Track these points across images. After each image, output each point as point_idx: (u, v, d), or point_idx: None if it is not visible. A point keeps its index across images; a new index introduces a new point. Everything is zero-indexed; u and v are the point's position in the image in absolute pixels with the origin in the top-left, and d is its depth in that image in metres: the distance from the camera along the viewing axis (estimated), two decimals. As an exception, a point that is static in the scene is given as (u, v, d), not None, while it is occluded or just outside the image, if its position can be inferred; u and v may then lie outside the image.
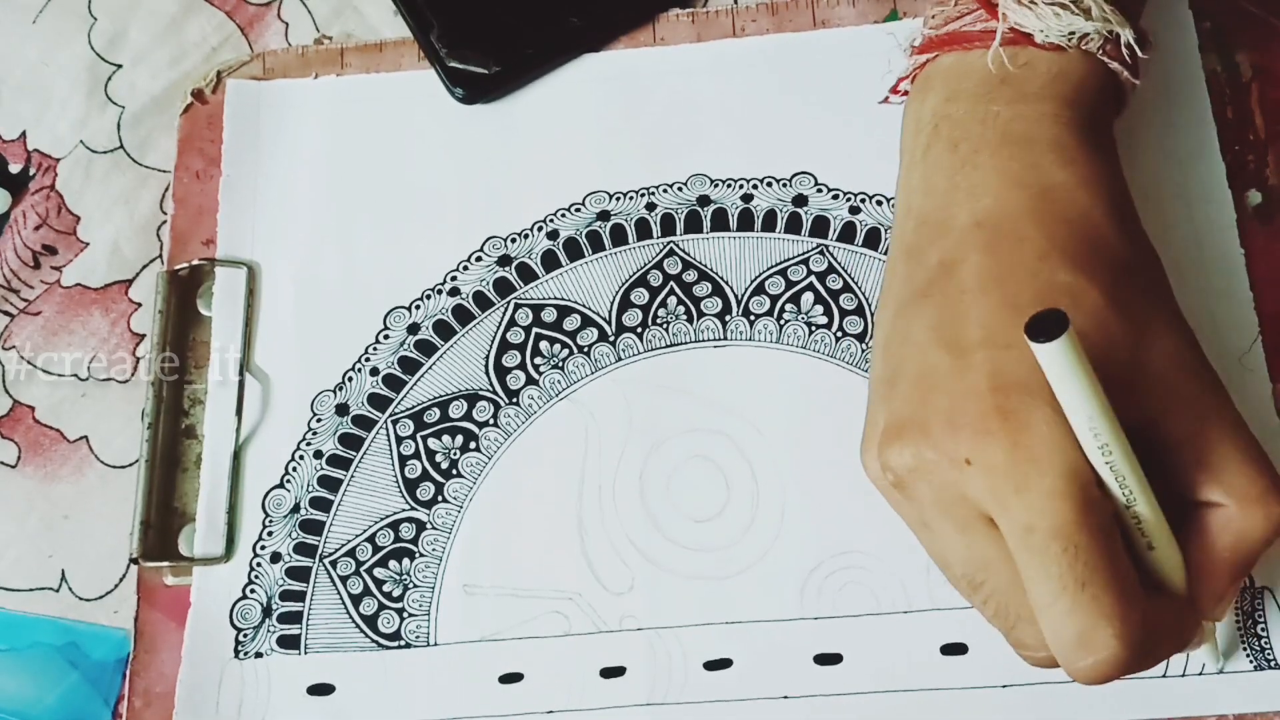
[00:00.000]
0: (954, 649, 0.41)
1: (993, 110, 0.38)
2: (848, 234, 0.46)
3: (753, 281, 0.45)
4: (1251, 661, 0.40)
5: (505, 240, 0.47)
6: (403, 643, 0.42)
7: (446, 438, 0.45)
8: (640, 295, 0.46)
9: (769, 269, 0.46)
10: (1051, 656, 0.33)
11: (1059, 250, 0.35)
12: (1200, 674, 0.40)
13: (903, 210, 0.39)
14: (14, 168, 0.50)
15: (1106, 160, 0.38)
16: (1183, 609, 0.34)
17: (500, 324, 0.46)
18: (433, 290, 0.46)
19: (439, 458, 0.44)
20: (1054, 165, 0.37)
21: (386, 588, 0.43)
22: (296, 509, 0.44)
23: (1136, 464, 0.32)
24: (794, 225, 0.46)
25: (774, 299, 0.45)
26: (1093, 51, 0.38)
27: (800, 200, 0.46)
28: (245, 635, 0.43)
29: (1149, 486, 0.33)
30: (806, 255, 0.46)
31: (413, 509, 0.44)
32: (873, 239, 0.45)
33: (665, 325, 0.45)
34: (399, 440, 0.45)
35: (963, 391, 0.34)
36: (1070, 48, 0.38)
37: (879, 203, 0.46)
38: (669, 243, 0.46)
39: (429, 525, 0.44)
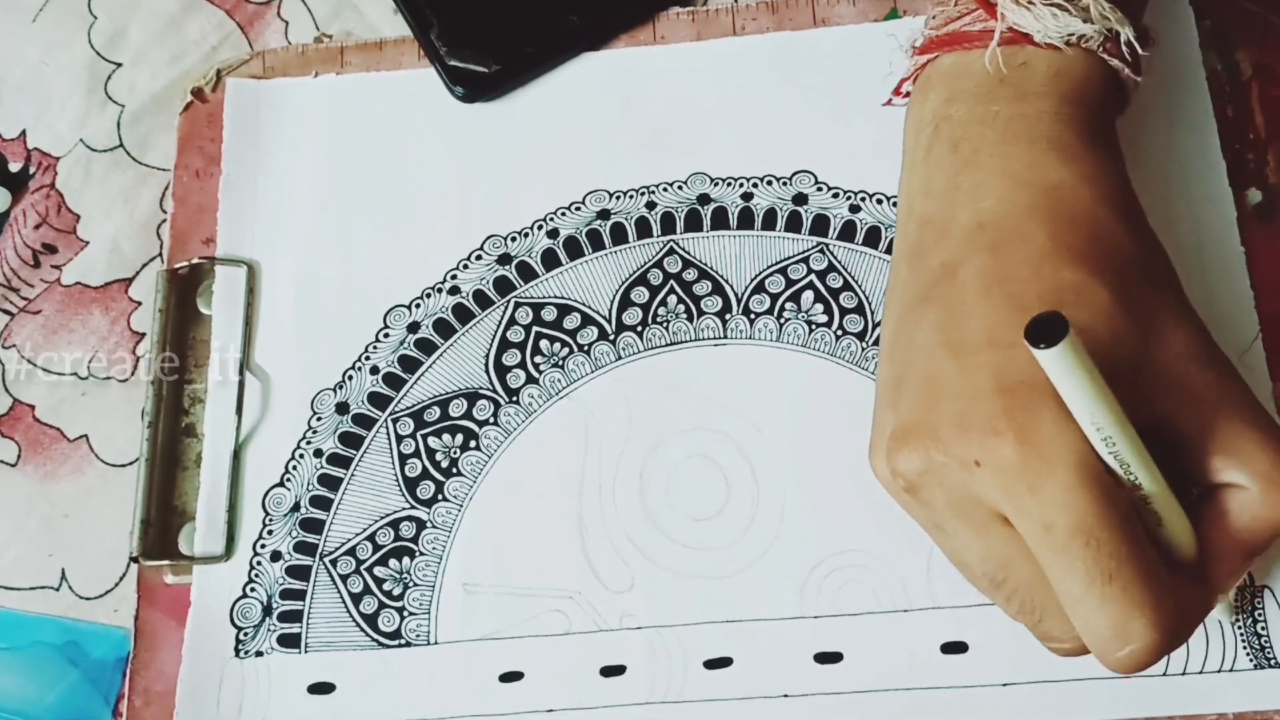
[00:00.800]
0: (954, 647, 0.41)
1: (993, 110, 0.38)
2: (848, 232, 0.46)
3: (753, 280, 0.45)
4: (1252, 660, 0.40)
5: (505, 239, 0.47)
6: (403, 641, 0.42)
7: (447, 436, 0.45)
8: (640, 294, 0.46)
9: (769, 267, 0.46)
10: (1081, 646, 0.33)
11: (1063, 248, 0.35)
12: (1200, 672, 0.40)
13: (904, 212, 0.39)
14: (14, 166, 0.50)
15: (1109, 157, 0.38)
16: (1203, 585, 0.34)
17: (500, 322, 0.46)
18: (433, 289, 0.46)
19: (439, 456, 0.44)
20: (1056, 163, 0.37)
21: (387, 586, 0.43)
22: (297, 507, 0.44)
23: (1141, 446, 0.32)
24: (794, 224, 0.46)
25: (774, 297, 0.45)
26: (1093, 50, 0.38)
27: (800, 199, 0.46)
28: (246, 634, 0.43)
29: (1154, 464, 0.33)
30: (806, 254, 0.46)
31: (413, 508, 0.44)
32: (873, 237, 0.45)
33: (665, 324, 0.45)
34: (399, 439, 0.45)
35: (969, 393, 0.33)
36: (1070, 47, 0.38)
37: (879, 201, 0.46)
38: (669, 241, 0.46)
39: (429, 524, 0.44)
